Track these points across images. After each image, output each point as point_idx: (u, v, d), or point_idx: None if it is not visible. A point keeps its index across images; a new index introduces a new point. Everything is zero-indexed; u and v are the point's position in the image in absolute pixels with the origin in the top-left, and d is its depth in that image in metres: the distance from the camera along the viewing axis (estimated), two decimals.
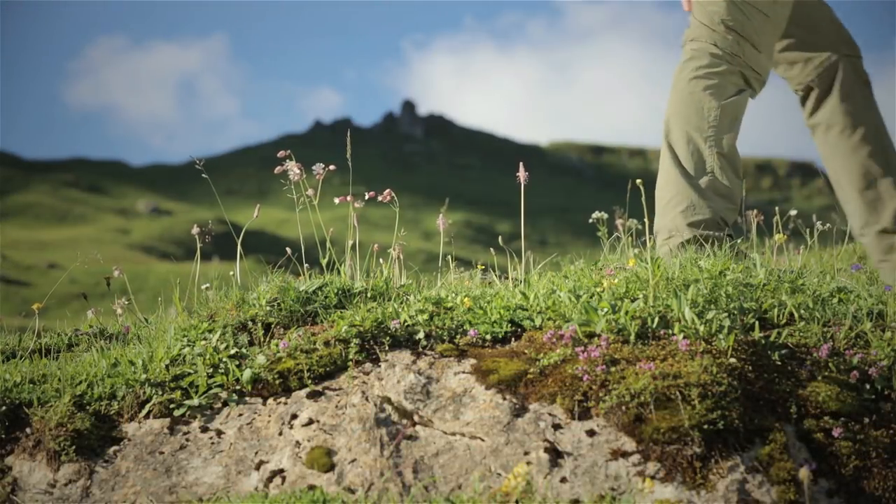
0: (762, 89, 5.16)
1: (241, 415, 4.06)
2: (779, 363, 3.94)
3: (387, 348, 4.21)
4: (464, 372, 4.03)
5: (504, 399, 3.88)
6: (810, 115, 5.29)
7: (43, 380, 4.29)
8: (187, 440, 4.02)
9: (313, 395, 4.05)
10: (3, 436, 4.10)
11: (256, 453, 3.92)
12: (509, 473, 3.56)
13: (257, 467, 3.87)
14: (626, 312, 4.08)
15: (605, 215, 5.45)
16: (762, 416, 3.72)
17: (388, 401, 3.96)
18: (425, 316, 4.30)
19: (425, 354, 4.16)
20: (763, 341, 4.01)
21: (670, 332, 4.02)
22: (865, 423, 3.76)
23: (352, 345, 4.21)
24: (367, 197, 4.83)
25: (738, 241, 5.05)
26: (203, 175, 5.18)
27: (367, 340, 4.24)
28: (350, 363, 4.14)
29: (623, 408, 3.72)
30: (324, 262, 4.92)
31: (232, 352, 4.27)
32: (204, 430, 4.04)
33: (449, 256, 5.25)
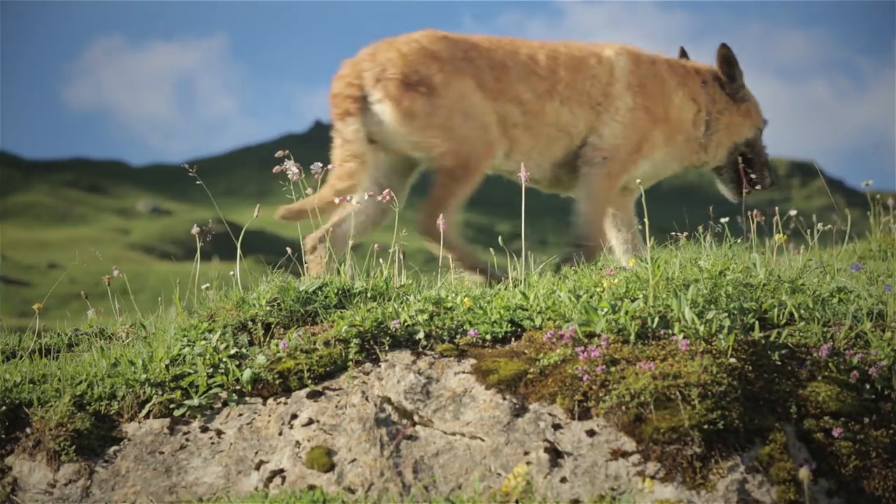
0: None
1: (241, 415, 4.06)
2: (779, 363, 3.94)
3: (387, 348, 4.21)
4: (464, 372, 4.03)
5: (504, 399, 3.87)
6: None
7: (43, 380, 4.29)
8: (187, 440, 4.02)
9: (313, 395, 4.05)
10: (3, 436, 4.10)
11: (256, 453, 3.92)
12: (509, 473, 3.56)
13: (257, 467, 3.87)
14: (626, 312, 4.08)
15: None
16: (762, 416, 3.72)
17: (388, 401, 3.96)
18: (425, 316, 4.30)
19: (425, 354, 4.16)
20: (763, 341, 4.01)
21: (670, 332, 4.02)
22: (865, 423, 3.76)
23: (352, 345, 4.20)
24: (366, 196, 4.82)
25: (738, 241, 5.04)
26: (198, 182, 5.19)
27: (367, 340, 4.24)
28: (350, 363, 4.14)
29: (623, 408, 3.72)
30: (323, 261, 4.92)
31: (232, 352, 4.27)
32: (204, 430, 4.04)
33: (449, 256, 5.24)
